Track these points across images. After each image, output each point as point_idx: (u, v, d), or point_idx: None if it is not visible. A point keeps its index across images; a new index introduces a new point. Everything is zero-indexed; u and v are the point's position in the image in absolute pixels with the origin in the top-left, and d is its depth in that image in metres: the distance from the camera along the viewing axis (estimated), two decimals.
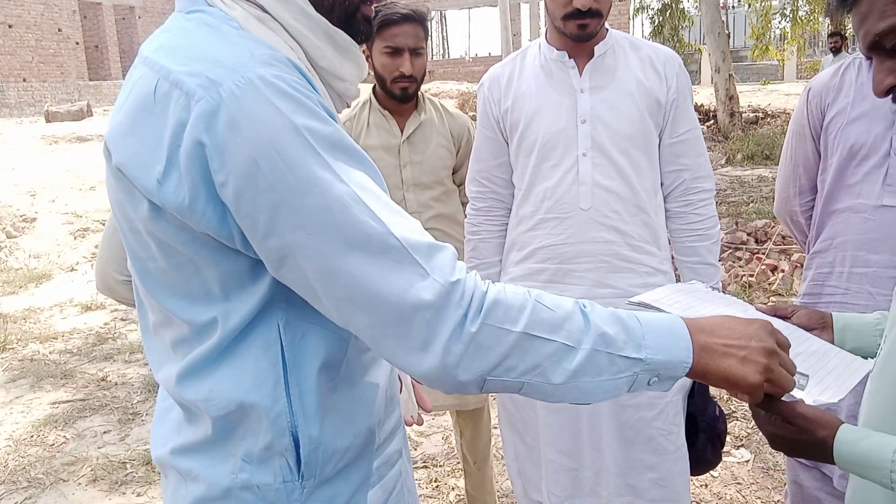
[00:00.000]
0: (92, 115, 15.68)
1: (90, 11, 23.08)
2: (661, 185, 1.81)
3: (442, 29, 32.81)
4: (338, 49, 0.94)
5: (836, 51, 10.29)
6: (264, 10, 0.88)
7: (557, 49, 1.77)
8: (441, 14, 27.65)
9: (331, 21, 0.93)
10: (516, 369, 0.80)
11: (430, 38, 2.33)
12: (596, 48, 1.75)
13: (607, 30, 1.78)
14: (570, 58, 1.75)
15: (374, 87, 2.35)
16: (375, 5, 0.95)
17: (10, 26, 18.44)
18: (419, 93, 2.34)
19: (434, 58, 28.49)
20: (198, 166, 0.77)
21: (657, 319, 0.86)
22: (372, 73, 2.31)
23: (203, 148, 0.76)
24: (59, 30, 19.60)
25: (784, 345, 0.88)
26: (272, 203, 0.76)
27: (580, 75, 1.74)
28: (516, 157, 1.84)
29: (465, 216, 2.02)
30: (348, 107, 1.76)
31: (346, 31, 0.95)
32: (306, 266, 0.78)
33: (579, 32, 1.69)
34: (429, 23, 2.30)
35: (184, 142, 0.77)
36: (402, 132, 2.32)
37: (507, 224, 1.91)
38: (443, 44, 33.04)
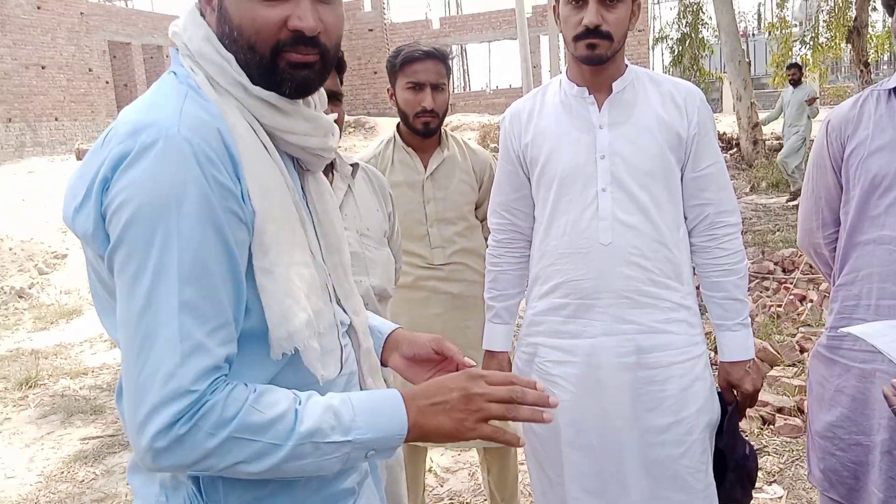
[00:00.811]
0: None
1: (119, 51, 23.69)
2: (685, 219, 1.81)
3: (463, 62, 33.22)
4: (277, 110, 0.98)
5: (795, 83, 10.09)
6: (212, 78, 0.96)
7: (578, 85, 1.79)
8: (461, 48, 27.99)
9: (252, 80, 0.97)
10: (216, 467, 0.88)
11: (451, 74, 2.38)
12: (614, 84, 1.77)
13: (626, 65, 1.81)
14: (589, 94, 1.77)
15: (398, 125, 2.41)
16: (297, 58, 0.97)
17: (42, 67, 18.96)
18: (442, 130, 2.39)
19: (455, 90, 28.81)
20: (97, 199, 0.87)
21: (375, 400, 0.96)
22: (396, 110, 2.39)
23: (106, 183, 0.87)
24: (90, 70, 20.12)
25: (494, 381, 0.97)
26: (122, 259, 0.87)
27: (599, 111, 1.76)
28: (537, 192, 1.86)
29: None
30: (331, 163, 1.80)
31: (271, 85, 0.97)
32: (119, 308, 0.88)
33: (588, 53, 1.69)
34: (450, 61, 2.36)
35: (98, 176, 0.87)
36: (425, 168, 2.37)
37: (527, 256, 1.93)
38: (464, 76, 33.40)
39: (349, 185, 1.87)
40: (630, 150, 1.73)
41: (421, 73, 2.26)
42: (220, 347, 0.88)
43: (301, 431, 0.89)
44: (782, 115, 10.43)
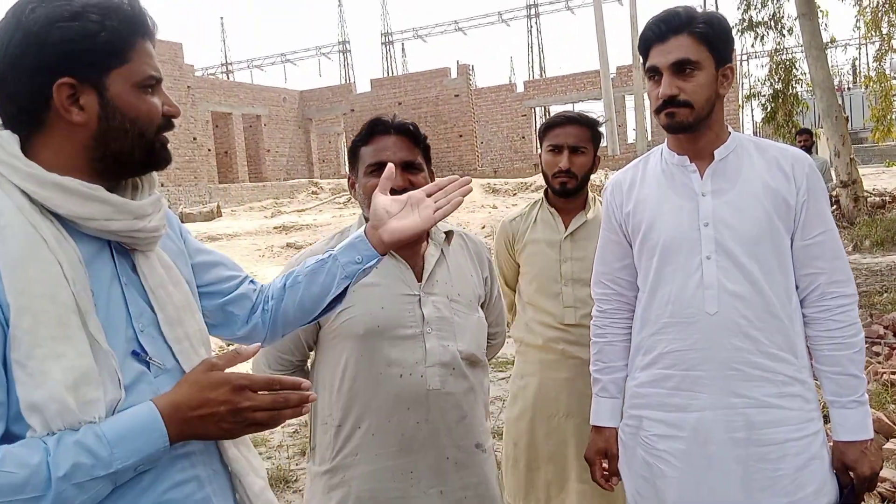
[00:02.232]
0: (221, 215, 16.86)
1: (221, 121, 25.18)
2: (797, 288, 1.75)
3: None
4: (70, 194, 1.04)
5: (806, 150, 9.60)
6: (1, 176, 1.03)
7: (678, 154, 1.79)
8: (545, 109, 28.33)
9: (132, 163, 1.12)
10: None
11: (599, 139, 2.53)
12: (716, 151, 1.75)
13: (730, 133, 1.79)
14: (690, 162, 1.77)
15: (545, 189, 2.58)
16: (165, 134, 1.16)
17: None
18: (590, 193, 2.54)
19: None
20: None
21: (130, 427, 1.01)
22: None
23: None
24: (194, 138, 21.43)
25: (258, 387, 1.06)
26: None
27: (701, 178, 1.75)
28: (639, 260, 1.84)
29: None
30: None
31: (148, 166, 1.15)
32: None
33: (669, 122, 1.71)
34: (599, 127, 2.51)
35: None
36: (566, 228, 2.49)
37: (631, 327, 1.90)
38: None
39: (442, 251, 1.91)
40: (735, 217, 1.70)
41: (560, 136, 2.44)
42: None
43: (59, 477, 0.94)
44: None
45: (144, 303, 1.14)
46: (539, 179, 15.32)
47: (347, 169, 1.98)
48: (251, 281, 1.46)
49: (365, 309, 1.79)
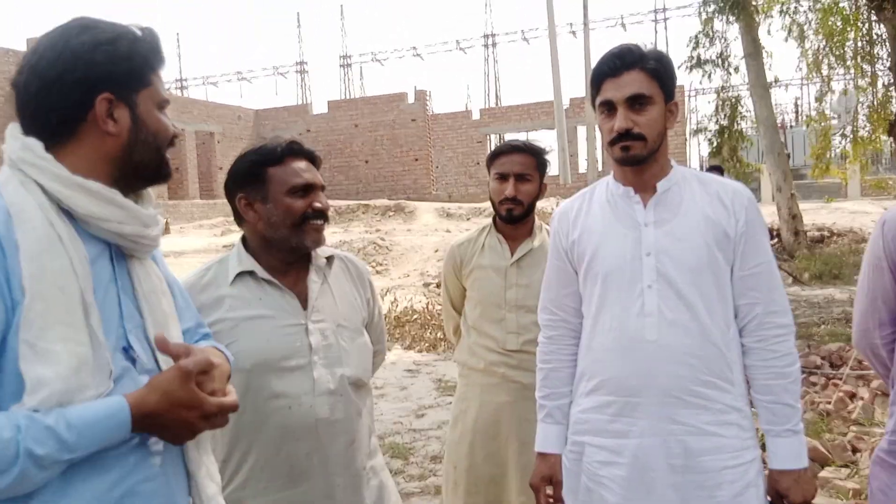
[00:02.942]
0: (169, 232, 16.51)
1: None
2: (735, 318, 1.79)
3: None
4: (92, 196, 1.17)
5: None
6: (27, 176, 1.15)
7: (624, 185, 1.83)
8: (499, 136, 28.66)
9: (147, 174, 1.27)
10: None
11: (545, 167, 2.55)
12: (658, 184, 1.79)
13: (672, 166, 1.84)
14: (635, 193, 1.81)
15: (494, 216, 2.60)
16: (168, 152, 1.29)
17: None
18: (537, 221, 2.58)
19: None
20: None
21: (99, 418, 1.09)
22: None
23: None
24: None
25: (187, 372, 1.15)
26: None
27: (644, 209, 1.79)
28: (584, 287, 1.86)
29: None
30: (308, 256, 1.89)
31: (159, 178, 1.29)
32: None
33: (623, 155, 1.74)
34: (544, 156, 2.54)
35: None
36: (512, 255, 2.52)
37: (577, 354, 1.91)
38: None
39: (325, 276, 1.90)
40: (676, 247, 1.74)
41: (506, 164, 2.49)
42: None
43: (26, 456, 1.02)
44: None
45: (134, 307, 1.25)
46: None
47: (228, 187, 1.88)
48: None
49: (250, 343, 1.76)
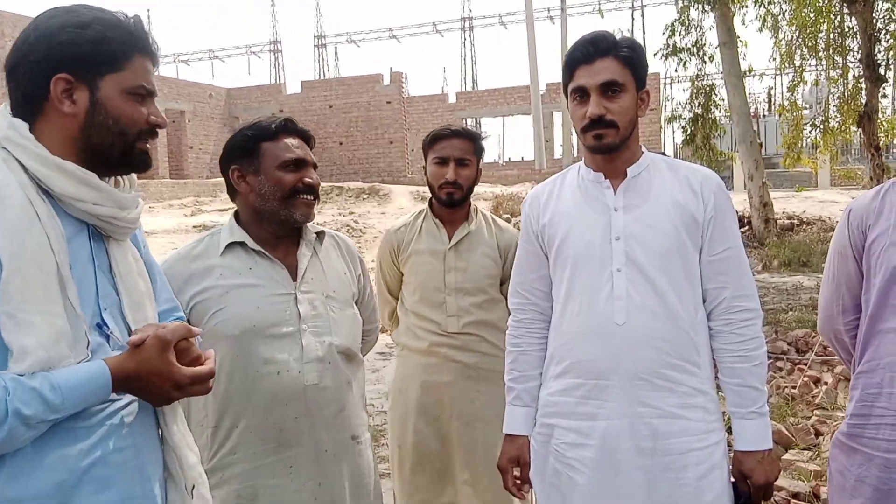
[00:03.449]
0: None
1: None
2: (704, 302, 1.81)
3: None
4: (68, 176, 1.21)
5: None
6: (10, 155, 1.20)
7: (594, 171, 1.83)
8: (476, 121, 28.61)
9: (110, 159, 1.27)
10: None
11: (482, 152, 2.57)
12: (629, 169, 1.80)
13: (643, 152, 1.84)
14: (605, 178, 1.81)
15: (430, 199, 2.60)
16: (149, 143, 1.32)
17: None
18: (473, 205, 2.58)
19: None
20: None
21: (83, 380, 1.15)
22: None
23: None
24: None
25: (165, 341, 1.21)
26: None
27: (614, 194, 1.79)
28: (554, 271, 1.87)
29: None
30: (299, 231, 1.95)
31: (124, 165, 1.30)
32: None
33: (596, 143, 1.75)
34: (481, 140, 2.55)
35: None
36: (450, 239, 2.52)
37: (547, 337, 1.92)
38: None
39: (314, 250, 1.96)
40: (645, 231, 1.75)
41: (446, 149, 2.48)
42: None
43: (15, 415, 1.08)
44: None
45: (111, 286, 1.30)
46: None
47: (223, 160, 1.93)
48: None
49: (240, 309, 1.81)
